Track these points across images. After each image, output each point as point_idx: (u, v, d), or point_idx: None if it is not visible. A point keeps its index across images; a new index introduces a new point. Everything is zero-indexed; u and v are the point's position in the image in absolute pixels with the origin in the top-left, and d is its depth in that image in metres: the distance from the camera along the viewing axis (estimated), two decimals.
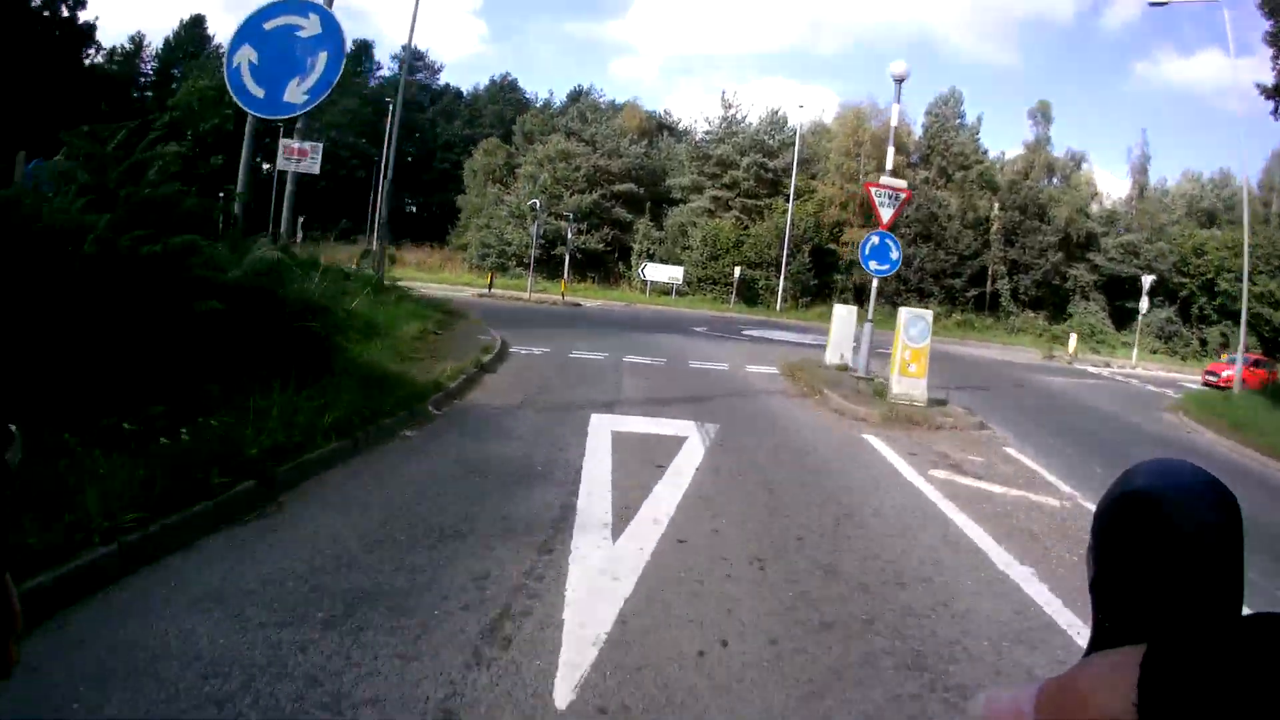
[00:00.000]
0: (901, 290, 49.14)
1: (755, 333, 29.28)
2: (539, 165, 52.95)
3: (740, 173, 53.56)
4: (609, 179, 53.93)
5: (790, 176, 51.38)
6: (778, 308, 46.69)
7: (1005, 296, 52.84)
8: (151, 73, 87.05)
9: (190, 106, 78.20)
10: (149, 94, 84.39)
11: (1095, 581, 0.67)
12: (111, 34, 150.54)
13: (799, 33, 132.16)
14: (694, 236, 51.50)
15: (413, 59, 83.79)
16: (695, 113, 54.03)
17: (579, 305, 35.08)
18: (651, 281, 48.10)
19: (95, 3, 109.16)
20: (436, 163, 79.60)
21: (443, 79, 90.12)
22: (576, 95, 69.76)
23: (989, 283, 52.89)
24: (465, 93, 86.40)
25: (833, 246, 51.63)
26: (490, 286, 36.14)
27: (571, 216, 44.99)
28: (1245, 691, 0.46)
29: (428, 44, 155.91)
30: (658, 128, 64.98)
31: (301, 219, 54.64)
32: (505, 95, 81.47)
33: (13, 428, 0.75)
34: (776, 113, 56.96)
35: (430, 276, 45.24)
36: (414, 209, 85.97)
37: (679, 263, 49.63)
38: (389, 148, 58.76)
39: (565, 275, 42.36)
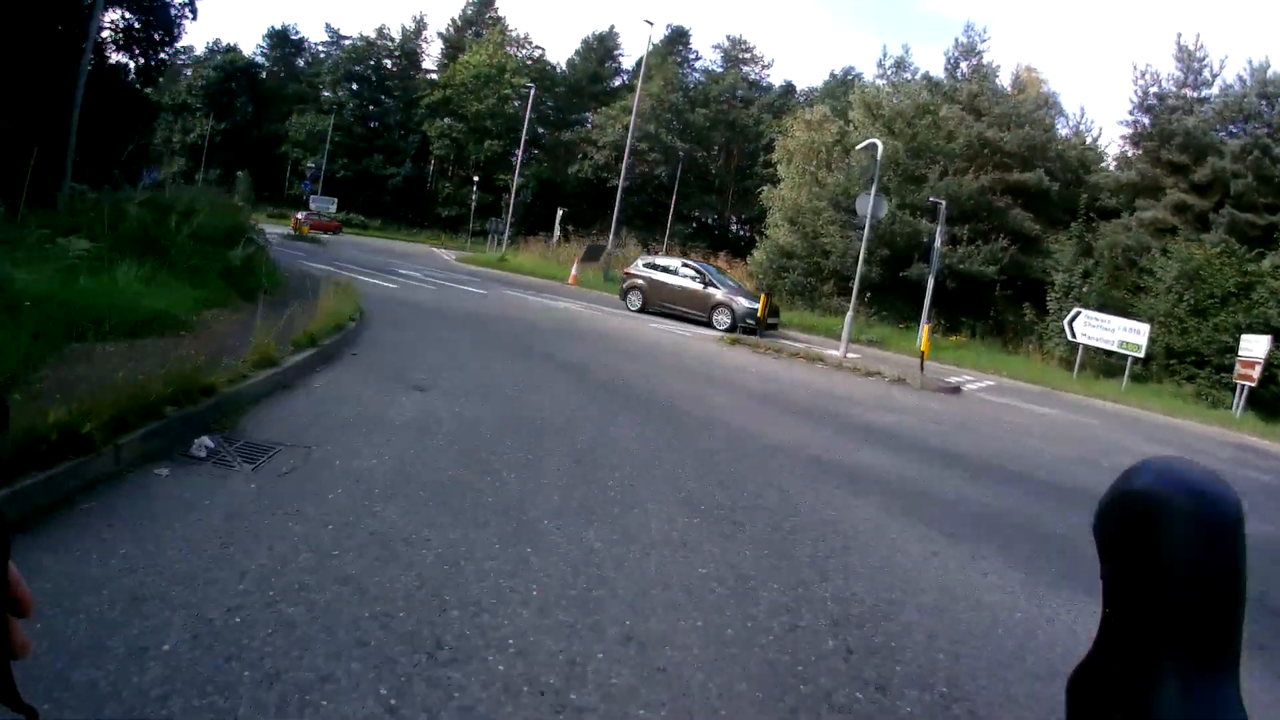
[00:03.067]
0: None
1: None
2: (886, 129, 36.02)
3: (1227, 163, 32.51)
4: (1002, 161, 36.22)
5: None
6: None
7: None
8: (441, 55, 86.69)
9: (463, 85, 77.69)
10: (431, 75, 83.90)
11: (1102, 574, 0.71)
12: (389, 15, 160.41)
13: None
14: (1164, 270, 29.76)
15: (738, 50, 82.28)
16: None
17: (955, 390, 17.35)
18: (1085, 344, 26.75)
19: None
20: (759, 166, 69.96)
21: (773, 76, 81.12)
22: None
23: None
24: (800, 90, 78.71)
25: None
26: (761, 323, 20.37)
27: (944, 209, 28.06)
28: None
29: (757, 35, 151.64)
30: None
31: (562, 211, 44.75)
32: (846, 90, 68.61)
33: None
34: (1267, 69, 34.57)
35: None
36: (733, 223, 76.40)
37: (1129, 312, 28.46)
38: (627, 148, 47.02)
39: (924, 317, 25.60)
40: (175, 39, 35.38)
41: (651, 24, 36.55)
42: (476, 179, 65.07)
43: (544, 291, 26.48)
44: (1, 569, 0.73)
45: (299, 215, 44.30)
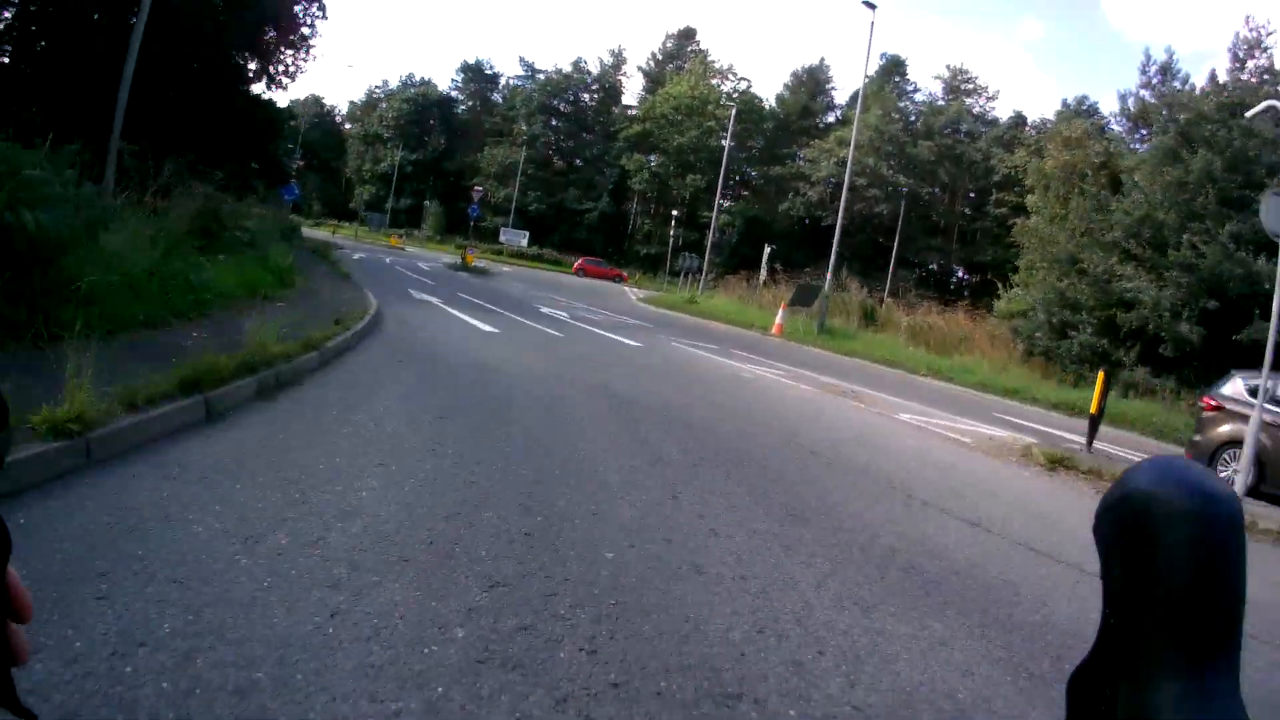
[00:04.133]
0: None
1: None
2: (1182, 139, 26.56)
3: None
4: None
5: None
6: None
7: None
8: (641, 91, 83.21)
9: (664, 117, 72.37)
10: (631, 109, 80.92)
11: (1102, 574, 0.70)
12: (585, 48, 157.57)
13: None
14: None
15: (959, 80, 73.71)
16: None
17: None
18: None
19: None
20: (990, 206, 62.77)
21: (997, 109, 72.56)
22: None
23: None
24: (1031, 121, 67.66)
25: None
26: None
27: None
28: None
29: (979, 67, 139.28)
30: None
31: (770, 249, 39.80)
32: (1083, 119, 60.25)
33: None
34: None
35: (930, 358, 22.51)
36: (958, 270, 69.76)
37: None
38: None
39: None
40: (308, 41, 30.83)
41: (874, 7, 27.35)
42: (677, 214, 58.83)
43: (734, 345, 19.00)
44: (0, 574, 0.69)
45: (469, 247, 39.77)
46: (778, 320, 24.74)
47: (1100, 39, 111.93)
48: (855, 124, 29.03)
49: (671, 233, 58.22)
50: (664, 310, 29.68)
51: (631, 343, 15.47)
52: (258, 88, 28.99)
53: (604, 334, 16.29)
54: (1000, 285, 39.10)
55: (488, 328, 13.73)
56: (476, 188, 42.28)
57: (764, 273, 38.16)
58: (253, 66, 28.28)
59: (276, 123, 30.15)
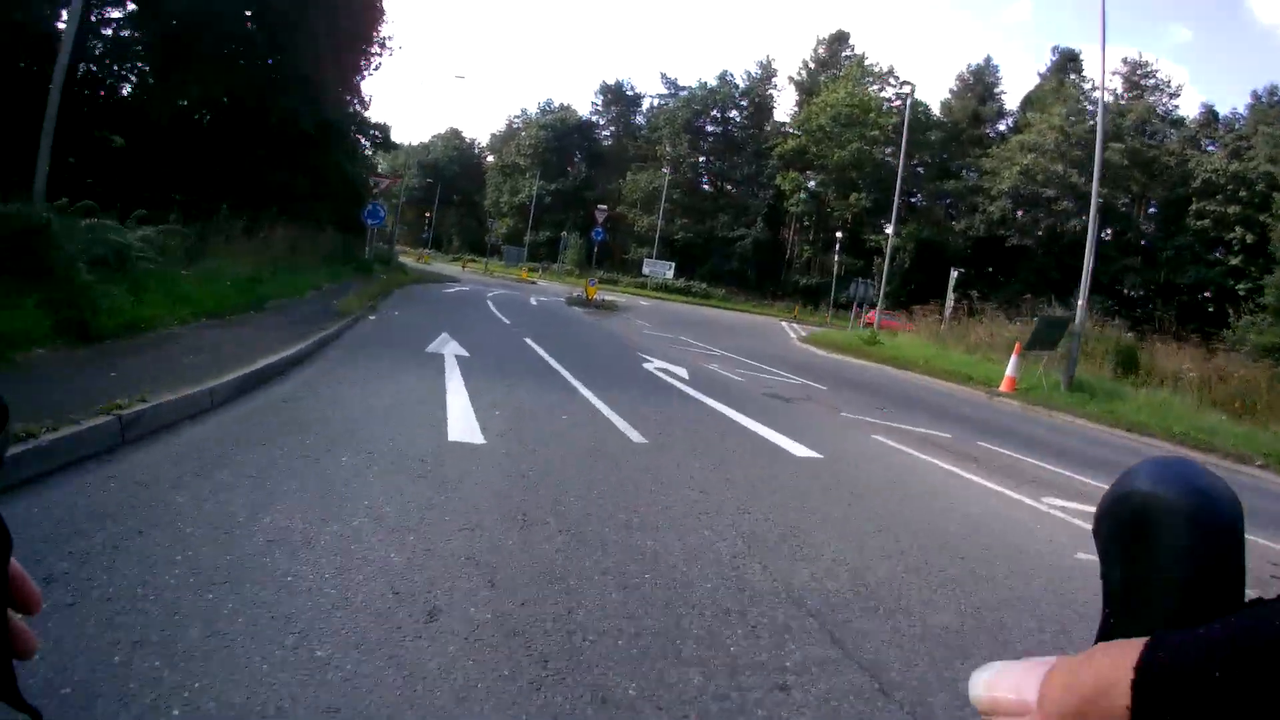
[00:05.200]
0: None
1: None
2: None
3: None
4: None
5: None
6: None
7: None
8: (794, 105, 76.51)
9: (820, 129, 64.46)
10: (783, 125, 74.06)
11: (1102, 574, 0.68)
12: (730, 62, 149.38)
13: None
14: None
15: (1138, 75, 63.81)
16: None
17: None
18: None
19: None
20: (1190, 219, 54.07)
21: (1182, 105, 63.45)
22: None
23: None
24: (1223, 115, 59.73)
25: None
26: None
27: None
28: (1244, 685, 0.51)
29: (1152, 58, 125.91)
30: None
31: (958, 272, 35.96)
32: None
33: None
34: None
35: (1247, 433, 13.62)
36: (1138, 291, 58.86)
37: None
38: None
39: None
40: (379, 34, 25.23)
41: None
42: (840, 237, 51.27)
43: (966, 422, 11.26)
44: (2, 567, 0.70)
45: (591, 280, 33.25)
46: (1008, 373, 16.63)
47: (1251, 40, 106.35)
48: (1100, 97, 20.48)
49: (836, 259, 50.57)
50: (836, 355, 21.94)
51: (795, 449, 7.43)
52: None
53: (740, 422, 8.44)
54: (1231, 311, 30.79)
55: (473, 435, 6.03)
56: (600, 206, 35.92)
57: (950, 302, 30.26)
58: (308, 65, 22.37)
59: (338, 131, 23.99)
